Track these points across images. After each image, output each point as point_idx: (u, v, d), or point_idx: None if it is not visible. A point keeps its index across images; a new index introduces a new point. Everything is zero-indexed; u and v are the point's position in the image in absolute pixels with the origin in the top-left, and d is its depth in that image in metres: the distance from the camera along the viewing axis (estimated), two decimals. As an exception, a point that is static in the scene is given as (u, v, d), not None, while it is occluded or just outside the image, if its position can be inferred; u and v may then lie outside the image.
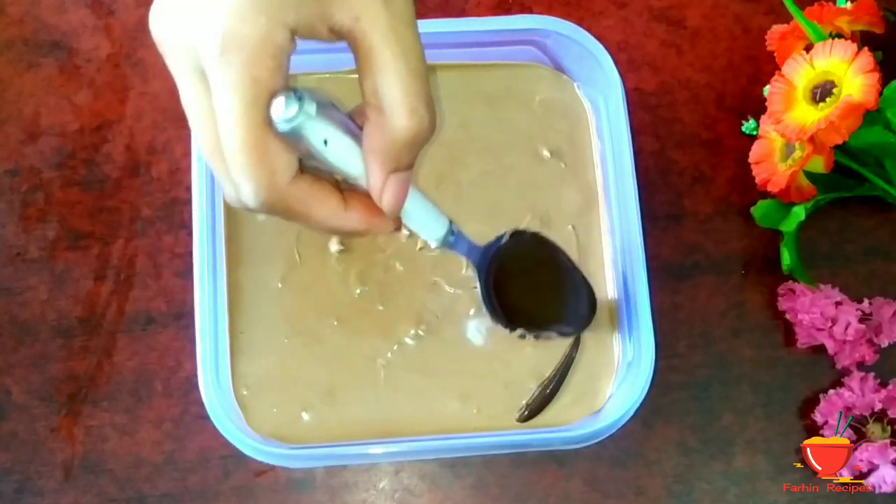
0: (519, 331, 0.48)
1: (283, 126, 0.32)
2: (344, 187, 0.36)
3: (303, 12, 0.32)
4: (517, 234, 0.48)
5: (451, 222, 0.43)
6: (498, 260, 0.47)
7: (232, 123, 0.31)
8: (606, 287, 0.54)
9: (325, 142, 0.33)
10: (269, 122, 0.32)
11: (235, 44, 0.31)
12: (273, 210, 0.33)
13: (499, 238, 0.47)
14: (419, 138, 0.34)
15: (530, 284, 0.49)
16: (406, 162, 0.35)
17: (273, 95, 0.32)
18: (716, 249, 0.57)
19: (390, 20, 0.33)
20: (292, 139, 0.33)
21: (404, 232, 0.54)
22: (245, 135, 0.31)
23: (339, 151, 0.34)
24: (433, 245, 0.42)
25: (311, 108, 0.32)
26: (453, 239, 0.43)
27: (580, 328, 0.51)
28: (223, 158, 0.32)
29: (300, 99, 0.32)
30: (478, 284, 0.47)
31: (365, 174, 0.35)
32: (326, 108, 0.33)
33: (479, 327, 0.53)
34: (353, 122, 0.35)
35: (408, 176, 0.36)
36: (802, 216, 0.53)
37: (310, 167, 0.34)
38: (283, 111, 0.32)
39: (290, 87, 0.32)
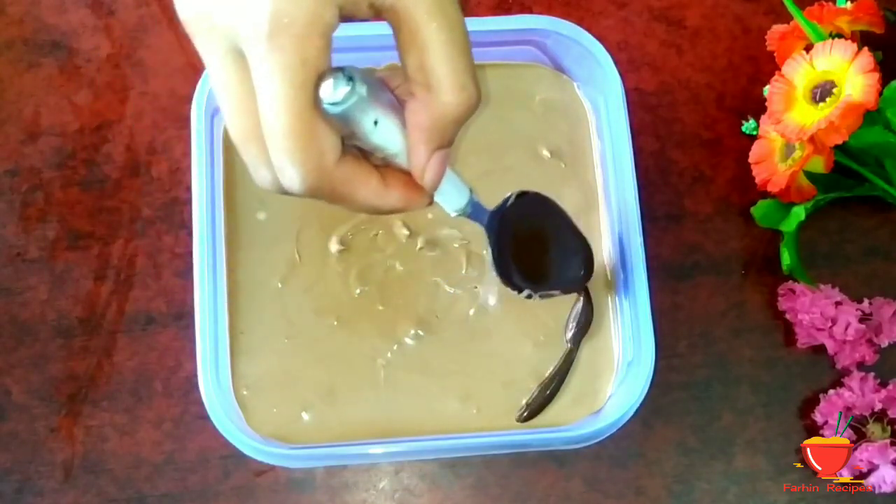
0: (526, 291, 0.48)
1: (333, 109, 0.31)
2: (379, 164, 0.35)
3: None
4: (521, 195, 0.47)
5: (471, 191, 0.42)
6: (505, 223, 0.47)
7: (279, 108, 0.30)
8: (606, 287, 0.54)
9: (376, 122, 0.33)
10: (316, 104, 0.31)
11: (284, 24, 0.30)
12: (317, 193, 0.33)
13: (505, 200, 0.47)
14: (467, 114, 0.34)
15: (533, 245, 0.49)
16: (449, 139, 0.34)
17: (321, 76, 0.31)
18: (716, 249, 0.57)
19: None
20: (340, 121, 0.32)
21: (404, 231, 0.54)
22: (293, 119, 0.30)
23: (386, 131, 0.33)
24: (452, 214, 0.42)
25: (362, 89, 0.31)
26: (472, 208, 0.42)
27: (580, 285, 0.51)
28: (259, 143, 0.31)
29: (351, 79, 0.31)
30: (488, 248, 0.47)
31: (407, 151, 0.34)
32: (375, 87, 0.33)
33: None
34: (396, 99, 0.35)
35: (448, 153, 0.35)
36: (802, 216, 0.53)
37: (349, 146, 0.34)
38: (332, 93, 0.31)
39: (338, 67, 0.31)
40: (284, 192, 0.33)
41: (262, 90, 0.30)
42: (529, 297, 0.49)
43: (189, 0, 0.32)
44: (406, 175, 0.35)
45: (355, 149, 0.34)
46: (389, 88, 0.35)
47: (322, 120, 0.31)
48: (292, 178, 0.32)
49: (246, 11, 0.30)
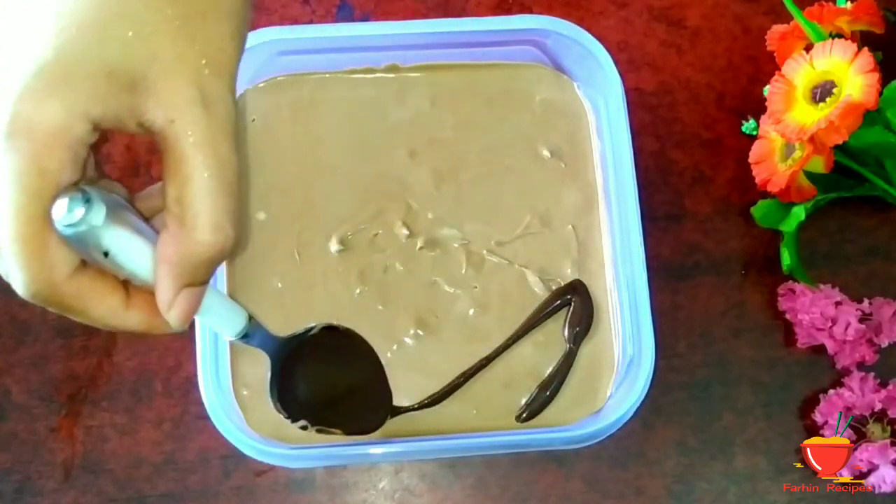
0: (302, 422, 0.46)
1: (64, 230, 0.29)
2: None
3: (110, 104, 0.29)
4: (329, 329, 0.46)
5: (249, 316, 0.39)
6: (300, 351, 0.45)
7: (9, 212, 0.28)
8: (606, 287, 0.54)
9: (106, 254, 0.31)
10: (49, 216, 0.29)
11: (24, 129, 0.28)
12: (45, 303, 0.31)
13: (307, 330, 0.45)
14: (221, 256, 0.31)
15: (326, 381, 0.47)
16: (202, 277, 0.32)
17: (60, 188, 0.29)
18: (716, 249, 0.58)
19: (208, 129, 0.30)
20: (72, 241, 0.30)
21: (404, 231, 0.54)
22: (21, 226, 0.28)
23: (126, 259, 0.31)
24: (229, 339, 0.40)
25: (97, 217, 0.30)
26: (251, 332, 0.40)
27: (364, 432, 0.49)
28: None
29: (88, 202, 0.29)
30: (268, 373, 0.44)
31: (154, 281, 0.32)
32: (119, 211, 0.31)
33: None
34: (148, 224, 0.33)
35: (202, 291, 0.33)
36: (802, 216, 0.53)
37: (90, 262, 0.32)
38: (65, 214, 0.29)
39: (81, 188, 0.30)
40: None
41: None
42: (305, 428, 0.46)
43: None
44: (153, 298, 0.33)
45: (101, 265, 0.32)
46: (142, 215, 0.33)
47: (55, 233, 0.29)
48: (17, 282, 0.30)
49: None
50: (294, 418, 0.46)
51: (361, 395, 0.49)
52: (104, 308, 0.32)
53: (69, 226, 0.29)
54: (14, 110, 0.28)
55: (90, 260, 0.31)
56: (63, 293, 0.30)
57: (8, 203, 0.28)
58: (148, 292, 0.33)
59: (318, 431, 0.47)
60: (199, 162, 0.30)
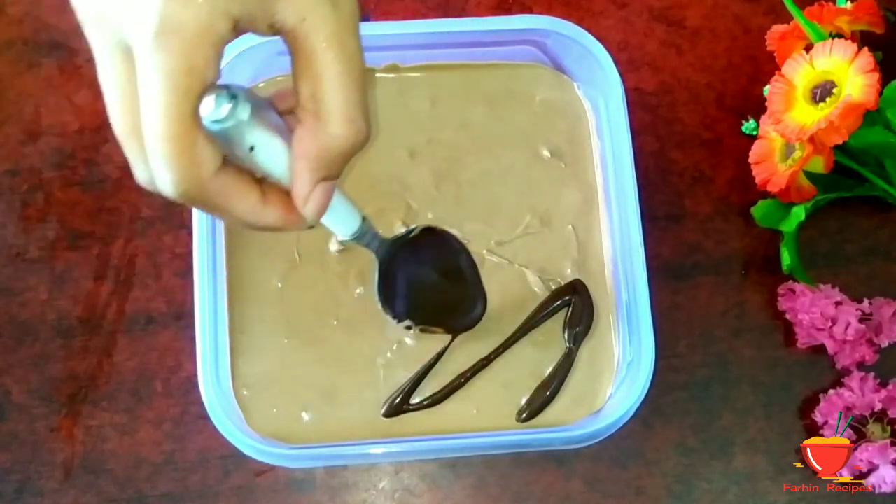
0: (406, 322, 0.49)
1: (211, 126, 0.30)
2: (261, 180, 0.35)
3: (247, 4, 0.30)
4: (427, 231, 0.48)
5: (363, 217, 0.42)
6: (402, 253, 0.47)
7: (159, 111, 0.29)
8: (606, 287, 0.54)
9: (252, 148, 0.32)
10: (197, 114, 0.30)
11: (173, 28, 0.29)
12: (191, 201, 0.32)
13: (408, 231, 0.47)
14: (354, 148, 0.33)
15: (427, 280, 0.50)
16: (336, 171, 0.34)
17: (206, 86, 0.30)
18: (716, 249, 0.58)
19: (337, 25, 0.31)
20: (218, 138, 0.31)
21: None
22: (171, 125, 0.29)
23: (267, 155, 0.33)
24: (342, 239, 0.42)
25: (244, 112, 0.31)
26: (364, 235, 0.42)
27: (466, 328, 0.52)
28: (140, 140, 0.31)
29: (234, 98, 0.30)
30: (375, 274, 0.47)
31: (290, 177, 0.34)
32: (260, 110, 0.32)
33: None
34: (285, 123, 0.34)
35: (334, 185, 0.35)
36: (802, 216, 0.53)
37: (232, 158, 0.33)
38: (212, 110, 0.30)
39: (225, 85, 0.31)
40: (160, 195, 0.32)
41: (144, 91, 0.30)
42: (409, 328, 0.50)
43: None
44: (288, 195, 0.34)
45: (241, 162, 0.33)
46: (278, 111, 0.34)
47: (202, 130, 0.30)
48: (166, 182, 0.31)
49: (136, 8, 0.29)
50: (399, 319, 0.49)
51: (458, 293, 0.51)
52: (245, 204, 0.33)
53: (217, 122, 0.30)
54: (163, 11, 0.29)
55: (232, 157, 0.32)
56: (209, 190, 0.32)
57: (158, 102, 0.29)
58: (281, 190, 0.34)
59: (422, 331, 0.50)
60: (331, 58, 0.31)
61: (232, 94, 0.30)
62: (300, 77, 0.32)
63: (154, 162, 0.30)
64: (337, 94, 0.32)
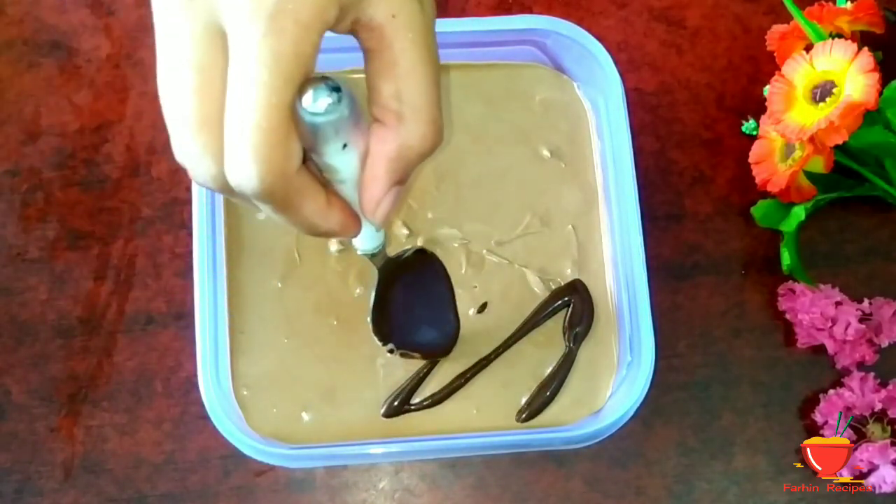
0: (390, 346, 0.49)
1: (310, 118, 0.29)
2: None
3: None
4: (419, 253, 0.48)
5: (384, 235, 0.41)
6: (395, 273, 0.47)
7: (259, 98, 0.28)
8: (606, 287, 0.54)
9: (345, 146, 0.31)
10: (294, 105, 0.29)
11: (290, 11, 0.28)
12: (268, 197, 0.30)
13: (403, 251, 0.48)
14: (432, 150, 0.32)
15: (410, 303, 0.49)
16: (408, 175, 0.33)
17: (307, 76, 0.29)
18: (716, 249, 0.58)
19: (423, 24, 0.31)
20: (310, 131, 0.29)
21: (404, 231, 0.54)
22: (271, 113, 0.28)
23: (353, 156, 0.32)
24: (359, 252, 0.41)
25: (346, 108, 0.29)
26: (383, 249, 0.42)
27: (441, 355, 0.52)
28: (213, 131, 0.29)
29: (336, 91, 0.29)
30: (373, 292, 0.47)
31: (362, 181, 0.33)
32: (357, 107, 0.30)
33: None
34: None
35: (402, 190, 0.34)
36: (802, 216, 0.53)
37: (312, 156, 0.32)
38: (312, 102, 0.28)
39: (323, 76, 0.29)
40: (222, 191, 0.30)
41: (242, 76, 0.28)
42: (391, 352, 0.50)
43: None
44: (344, 202, 0.34)
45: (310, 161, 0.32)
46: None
47: (293, 121, 0.29)
48: (250, 175, 0.29)
49: None
50: (384, 341, 0.49)
51: (436, 319, 0.51)
52: (315, 205, 0.32)
53: (317, 114, 0.29)
54: None
55: (312, 153, 0.31)
56: (290, 187, 0.30)
57: (261, 89, 0.28)
58: (339, 196, 0.33)
59: (402, 355, 0.51)
60: (418, 57, 0.31)
61: (334, 86, 0.29)
62: (382, 76, 0.31)
63: (239, 154, 0.29)
64: (423, 94, 0.31)
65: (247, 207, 0.32)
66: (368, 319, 0.48)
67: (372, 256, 0.42)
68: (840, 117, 0.47)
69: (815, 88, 0.50)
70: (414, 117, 0.31)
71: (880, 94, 0.48)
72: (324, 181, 0.33)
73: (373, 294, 0.47)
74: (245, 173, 0.29)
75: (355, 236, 0.36)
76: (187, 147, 0.30)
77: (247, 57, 0.28)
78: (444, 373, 0.53)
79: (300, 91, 0.29)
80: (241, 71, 0.28)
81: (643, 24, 0.61)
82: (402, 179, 0.33)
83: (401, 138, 0.32)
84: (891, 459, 0.52)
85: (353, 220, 0.34)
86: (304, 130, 0.29)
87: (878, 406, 0.53)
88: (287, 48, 0.28)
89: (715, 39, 0.61)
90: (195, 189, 0.50)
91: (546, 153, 0.56)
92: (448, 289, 0.51)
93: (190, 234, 0.50)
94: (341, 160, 0.31)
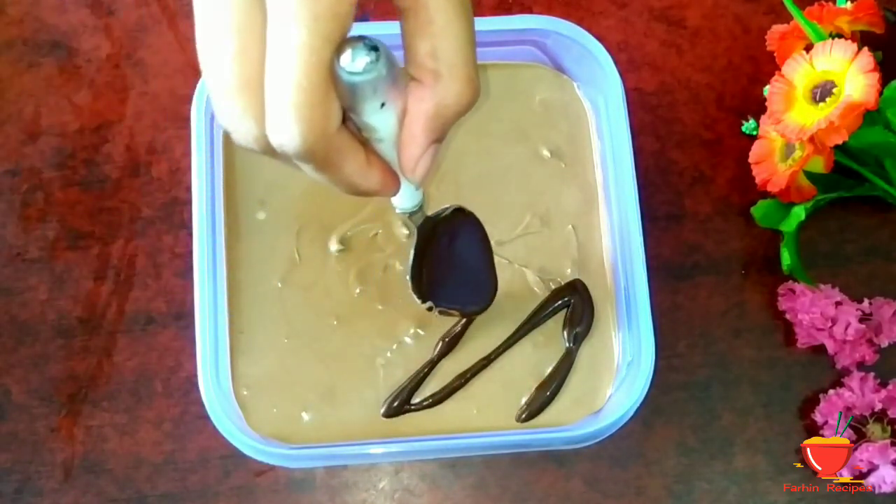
0: (428, 303, 0.49)
1: (349, 78, 0.29)
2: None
3: None
4: (458, 211, 0.48)
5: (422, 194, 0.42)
6: (434, 232, 0.47)
7: (300, 58, 0.28)
8: (606, 287, 0.54)
9: (383, 105, 0.31)
10: (333, 64, 0.29)
11: None
12: (309, 156, 0.30)
13: (443, 209, 0.47)
14: (468, 108, 0.33)
15: (448, 261, 0.49)
16: (445, 133, 0.34)
17: (345, 36, 0.29)
18: (716, 249, 0.58)
19: None
20: (349, 91, 0.30)
21: (404, 231, 0.54)
22: (311, 73, 0.28)
23: (390, 114, 0.32)
24: (398, 211, 0.41)
25: (384, 66, 0.29)
26: (421, 207, 0.42)
27: (478, 311, 0.51)
28: (253, 92, 0.29)
29: (374, 50, 0.29)
30: (412, 252, 0.47)
31: (400, 139, 0.33)
32: (395, 65, 0.31)
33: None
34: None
35: (439, 149, 0.34)
36: (802, 216, 0.53)
37: (351, 115, 0.32)
38: (351, 61, 0.29)
39: (360, 36, 0.29)
40: (264, 151, 0.31)
41: (283, 36, 0.28)
42: (430, 309, 0.49)
43: None
44: (383, 161, 0.34)
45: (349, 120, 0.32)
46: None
47: (332, 81, 0.29)
48: (292, 135, 0.29)
49: None
50: (423, 299, 0.48)
51: (475, 276, 0.50)
52: (355, 164, 0.32)
53: (356, 73, 0.29)
54: None
55: (351, 113, 0.31)
56: (331, 146, 0.31)
57: (300, 49, 0.28)
58: (377, 155, 0.34)
59: (441, 313, 0.50)
60: (453, 14, 0.31)
61: (372, 45, 0.29)
62: (417, 34, 0.31)
63: (282, 114, 0.29)
64: (458, 52, 0.31)
65: (288, 167, 0.32)
66: (407, 277, 0.48)
67: (411, 215, 0.42)
68: (840, 117, 0.47)
69: (815, 88, 0.50)
70: (450, 75, 0.32)
71: (880, 94, 0.48)
72: (363, 140, 0.33)
73: (412, 253, 0.47)
74: (286, 133, 0.29)
75: (394, 195, 0.36)
76: (229, 110, 0.31)
77: (285, 18, 0.28)
78: (444, 373, 0.53)
79: (338, 51, 0.29)
80: (279, 32, 0.28)
81: (643, 24, 0.61)
82: (440, 137, 0.34)
83: (438, 96, 0.32)
84: (891, 459, 0.52)
85: (393, 179, 0.35)
86: (342, 90, 0.30)
87: (878, 406, 0.53)
88: (325, 8, 0.28)
89: (715, 39, 0.61)
90: (195, 189, 0.50)
91: (546, 153, 0.56)
92: (486, 247, 0.50)
93: (190, 234, 0.50)
94: (380, 119, 0.32)
